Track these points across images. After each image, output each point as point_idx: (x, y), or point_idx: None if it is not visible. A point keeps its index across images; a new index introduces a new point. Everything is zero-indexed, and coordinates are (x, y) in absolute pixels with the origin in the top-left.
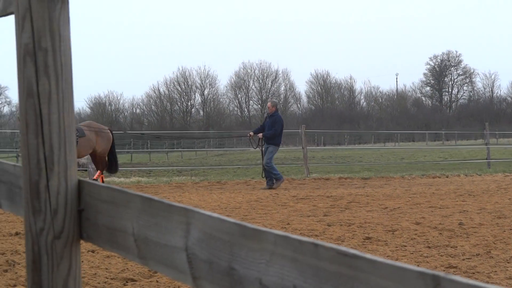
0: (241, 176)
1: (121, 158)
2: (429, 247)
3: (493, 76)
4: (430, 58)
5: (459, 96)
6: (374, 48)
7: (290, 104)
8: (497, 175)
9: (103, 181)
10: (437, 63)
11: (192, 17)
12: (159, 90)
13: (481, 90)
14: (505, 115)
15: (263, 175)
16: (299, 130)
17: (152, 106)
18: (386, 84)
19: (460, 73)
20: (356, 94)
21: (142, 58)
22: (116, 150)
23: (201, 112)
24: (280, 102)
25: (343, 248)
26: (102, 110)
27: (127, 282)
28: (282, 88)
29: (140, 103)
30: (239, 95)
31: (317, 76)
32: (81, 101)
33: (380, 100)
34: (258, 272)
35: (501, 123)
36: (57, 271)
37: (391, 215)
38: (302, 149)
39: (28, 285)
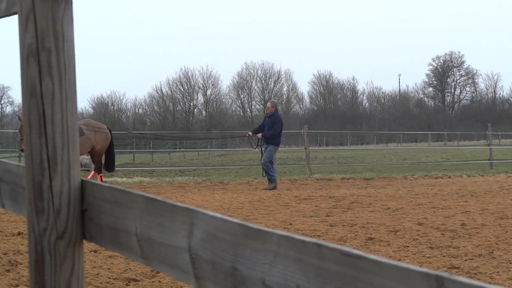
0: (243, 176)
1: (124, 158)
2: (431, 248)
3: (495, 77)
4: (433, 59)
5: (461, 97)
6: (376, 49)
7: (292, 104)
8: (500, 176)
9: (102, 180)
10: (439, 64)
11: (195, 17)
12: (161, 90)
13: (484, 91)
14: (508, 116)
15: (264, 175)
16: (302, 131)
17: (155, 106)
18: (388, 85)
19: (463, 74)
20: (359, 94)
21: (145, 58)
22: (119, 150)
23: (204, 113)
24: (283, 102)
25: (346, 248)
26: (105, 110)
27: (129, 282)
28: (285, 89)
29: (143, 103)
30: (242, 96)
31: (320, 76)
32: (83, 101)
33: (383, 101)
34: (261, 273)
35: (503, 124)
36: (60, 271)
37: (393, 215)
38: (304, 149)
39: (31, 285)
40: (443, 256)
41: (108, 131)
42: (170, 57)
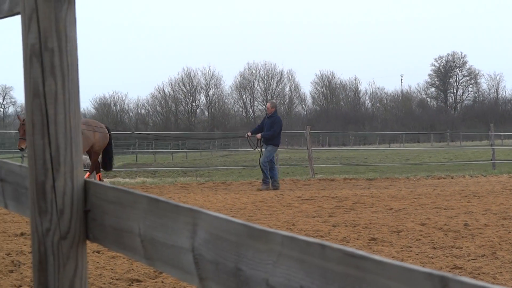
0: (246, 176)
1: (126, 159)
2: (434, 248)
3: (498, 77)
4: (435, 59)
5: (464, 97)
6: (379, 49)
7: (295, 105)
8: (502, 176)
9: (100, 179)
10: (442, 64)
11: (197, 17)
12: (164, 90)
13: (486, 91)
14: (510, 116)
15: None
16: (304, 131)
17: (157, 106)
18: (391, 85)
19: (465, 74)
20: (361, 95)
21: (147, 58)
22: (121, 151)
23: (206, 113)
24: (285, 103)
25: (350, 249)
26: (107, 110)
27: (132, 282)
28: (287, 89)
29: (145, 104)
30: (244, 96)
31: (322, 77)
32: (86, 102)
33: (385, 101)
34: (265, 273)
35: (506, 124)
36: (63, 271)
37: (396, 216)
38: (307, 150)
39: (35, 285)
40: (446, 257)
41: (106, 131)
42: (173, 57)
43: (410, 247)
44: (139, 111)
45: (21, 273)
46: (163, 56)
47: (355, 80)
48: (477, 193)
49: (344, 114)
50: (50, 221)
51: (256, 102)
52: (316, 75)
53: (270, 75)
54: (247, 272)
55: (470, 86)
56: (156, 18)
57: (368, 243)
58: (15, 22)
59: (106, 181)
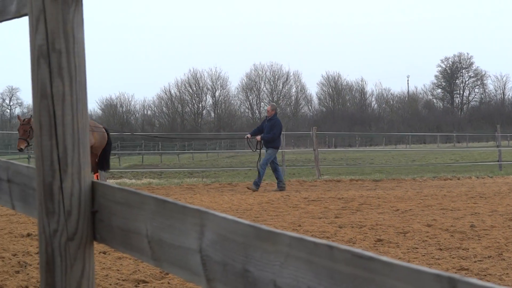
0: (252, 178)
1: (132, 160)
2: (440, 249)
3: (504, 79)
4: (442, 60)
5: (470, 98)
6: (385, 50)
7: (301, 106)
8: (509, 177)
9: (98, 179)
10: (448, 65)
11: (203, 19)
12: (170, 91)
13: (493, 92)
14: None
15: (276, 179)
16: (310, 132)
17: (163, 107)
18: (397, 86)
19: (472, 75)
20: (367, 96)
21: (154, 59)
22: (128, 152)
23: (212, 114)
24: (291, 104)
25: (358, 250)
26: (114, 111)
27: (138, 283)
28: (293, 90)
29: (151, 105)
30: (250, 97)
31: (328, 78)
32: (92, 103)
33: (391, 102)
34: (272, 274)
35: None
36: (70, 272)
37: (402, 217)
38: (313, 150)
39: (42, 286)
40: (452, 258)
41: (104, 131)
42: (179, 58)
43: (417, 248)
44: (146, 112)
45: (28, 274)
46: (170, 57)
47: (361, 81)
48: (484, 194)
49: (350, 115)
50: (57, 222)
51: (262, 103)
52: (322, 76)
53: (276, 76)
54: (254, 273)
55: (477, 87)
56: (162, 19)
57: (374, 244)
58: (22, 24)
59: (112, 182)
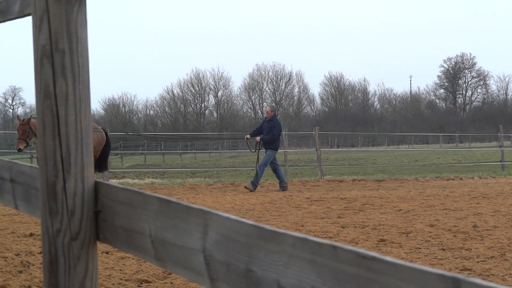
0: None
1: (135, 160)
2: (443, 250)
3: (507, 79)
4: (444, 61)
5: (473, 98)
6: (388, 50)
7: (303, 106)
8: (511, 178)
9: None
10: (451, 65)
11: (206, 18)
12: (172, 91)
13: (495, 93)
14: None
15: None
16: (313, 132)
17: (166, 107)
18: (400, 87)
19: (474, 76)
20: (370, 96)
21: (156, 59)
22: (130, 152)
23: (215, 114)
24: (294, 104)
25: (362, 250)
26: (116, 111)
27: (141, 283)
28: (296, 90)
29: (154, 105)
30: (253, 97)
31: (331, 78)
32: (95, 103)
33: (394, 102)
34: (276, 274)
35: None
36: (74, 272)
37: (405, 217)
38: (315, 151)
39: (45, 286)
40: (455, 258)
41: (102, 131)
42: (181, 58)
43: (419, 248)
44: (148, 112)
45: (30, 274)
46: (172, 57)
47: (364, 81)
48: (486, 195)
49: (353, 115)
50: (60, 222)
51: (265, 103)
52: (325, 76)
53: (279, 76)
54: (258, 273)
55: (479, 87)
56: (165, 19)
57: (377, 244)
58: (25, 23)
59: (115, 182)
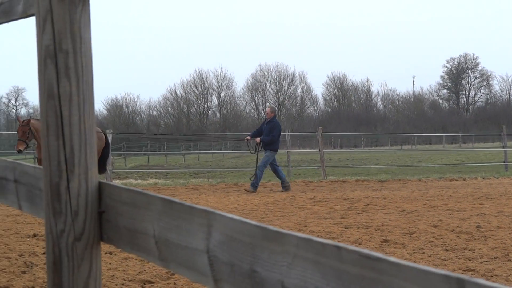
0: None
1: (138, 160)
2: (446, 250)
3: (510, 79)
4: (447, 61)
5: (476, 98)
6: (391, 51)
7: (306, 106)
8: None
9: None
10: (454, 65)
11: (208, 19)
12: (176, 92)
13: (499, 93)
14: None
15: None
16: (316, 133)
17: (169, 108)
18: (403, 87)
19: (477, 76)
20: (373, 96)
21: (159, 60)
22: (133, 152)
23: (218, 114)
24: (297, 104)
25: (366, 250)
26: (119, 112)
27: (144, 284)
28: (299, 91)
29: (157, 105)
30: (256, 97)
31: (334, 78)
32: (98, 103)
33: (397, 103)
34: (280, 275)
35: None
36: (77, 272)
37: (408, 217)
38: (319, 151)
39: (49, 286)
40: (459, 259)
41: (101, 132)
42: (184, 59)
43: (423, 249)
44: (151, 113)
45: (34, 274)
46: (175, 58)
47: (367, 81)
48: (490, 195)
49: (356, 116)
50: (64, 222)
51: (268, 104)
52: (328, 77)
53: (282, 77)
54: (262, 274)
55: (482, 87)
56: (168, 20)
57: (380, 245)
58: (29, 24)
59: (118, 183)
